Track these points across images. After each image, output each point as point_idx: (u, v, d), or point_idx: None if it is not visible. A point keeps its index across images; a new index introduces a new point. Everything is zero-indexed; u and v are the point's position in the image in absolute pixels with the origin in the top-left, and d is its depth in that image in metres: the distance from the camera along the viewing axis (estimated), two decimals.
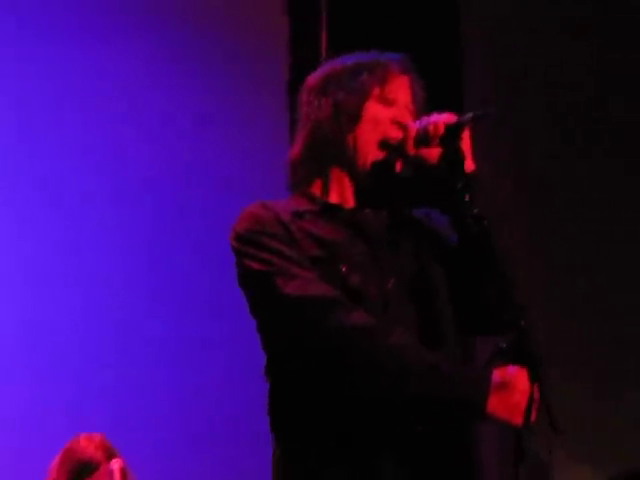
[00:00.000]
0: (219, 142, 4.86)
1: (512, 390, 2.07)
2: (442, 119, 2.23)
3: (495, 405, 2.07)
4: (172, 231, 4.78)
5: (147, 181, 4.82)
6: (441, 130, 2.21)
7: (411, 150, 2.26)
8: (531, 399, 2.05)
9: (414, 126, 2.27)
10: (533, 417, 2.07)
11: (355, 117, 2.29)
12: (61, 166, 4.74)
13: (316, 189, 2.34)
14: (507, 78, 5.07)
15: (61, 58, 4.79)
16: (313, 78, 2.39)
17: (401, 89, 2.33)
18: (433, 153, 2.25)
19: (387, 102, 2.31)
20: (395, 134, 2.29)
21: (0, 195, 4.63)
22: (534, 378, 2.05)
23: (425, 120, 2.25)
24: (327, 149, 2.32)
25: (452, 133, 2.21)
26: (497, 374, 2.09)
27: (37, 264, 4.63)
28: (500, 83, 5.03)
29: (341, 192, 2.33)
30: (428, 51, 4.31)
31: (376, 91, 2.30)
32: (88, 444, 3.65)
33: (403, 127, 2.29)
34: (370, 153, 2.29)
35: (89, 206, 4.74)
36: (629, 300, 4.99)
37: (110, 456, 3.60)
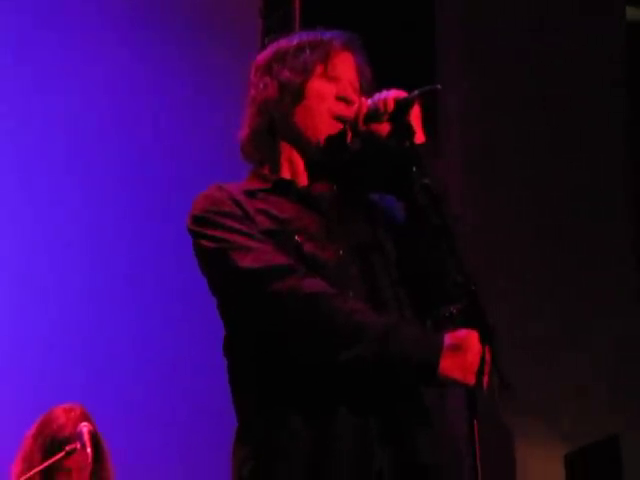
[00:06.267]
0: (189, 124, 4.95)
1: (464, 351, 2.11)
2: (391, 95, 2.30)
3: (448, 367, 2.11)
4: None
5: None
6: (391, 106, 2.29)
7: (362, 126, 2.33)
8: (483, 360, 2.09)
9: (365, 103, 2.34)
10: (485, 378, 2.11)
11: (299, 95, 2.36)
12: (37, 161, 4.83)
13: (267, 168, 2.41)
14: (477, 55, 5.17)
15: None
16: (260, 57, 2.46)
17: (344, 65, 2.40)
18: (384, 128, 2.32)
19: (330, 79, 2.38)
20: (340, 109, 2.36)
21: None
22: (485, 340, 2.10)
23: (376, 97, 2.32)
24: (275, 128, 2.38)
25: (402, 108, 2.29)
26: (449, 337, 2.13)
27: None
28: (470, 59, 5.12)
29: (292, 168, 2.40)
30: (402, 28, 4.42)
31: (319, 68, 2.37)
32: (66, 419, 3.66)
33: (348, 102, 2.36)
34: (319, 127, 2.36)
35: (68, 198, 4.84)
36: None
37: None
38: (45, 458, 3.63)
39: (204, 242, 2.26)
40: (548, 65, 5.25)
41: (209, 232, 2.26)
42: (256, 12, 4.69)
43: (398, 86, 2.35)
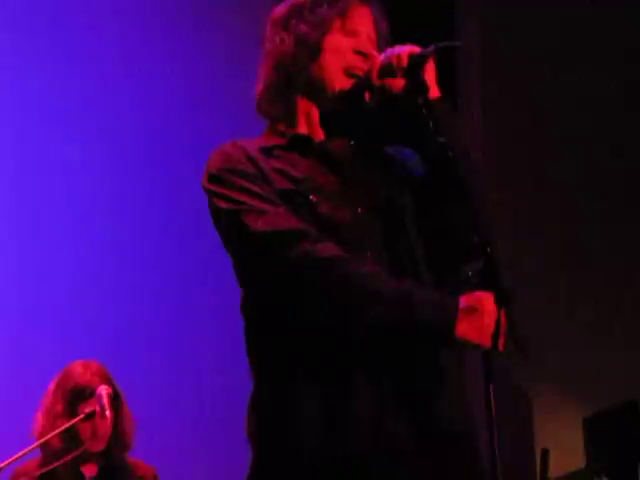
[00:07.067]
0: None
1: (480, 314, 2.10)
2: (405, 50, 2.26)
3: (464, 329, 2.10)
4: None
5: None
6: (405, 61, 2.25)
7: (376, 81, 2.29)
8: (499, 322, 2.07)
9: (378, 57, 2.30)
10: (501, 340, 2.09)
11: (316, 50, 2.32)
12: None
13: (283, 123, 2.38)
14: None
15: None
16: (277, 11, 2.42)
17: (362, 20, 2.36)
18: (398, 84, 2.28)
19: (348, 33, 2.34)
20: (357, 63, 2.32)
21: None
22: (501, 302, 2.07)
23: (389, 52, 2.28)
24: (291, 82, 2.35)
25: (416, 64, 2.24)
26: (465, 299, 2.12)
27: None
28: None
29: (309, 123, 2.37)
30: None
31: (337, 23, 2.33)
32: (85, 370, 3.70)
33: (365, 56, 2.32)
34: (336, 81, 2.32)
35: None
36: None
37: (106, 383, 3.63)
38: (67, 406, 3.67)
39: (217, 201, 2.25)
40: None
41: (222, 191, 2.25)
42: None
43: (418, 32, 2.33)
